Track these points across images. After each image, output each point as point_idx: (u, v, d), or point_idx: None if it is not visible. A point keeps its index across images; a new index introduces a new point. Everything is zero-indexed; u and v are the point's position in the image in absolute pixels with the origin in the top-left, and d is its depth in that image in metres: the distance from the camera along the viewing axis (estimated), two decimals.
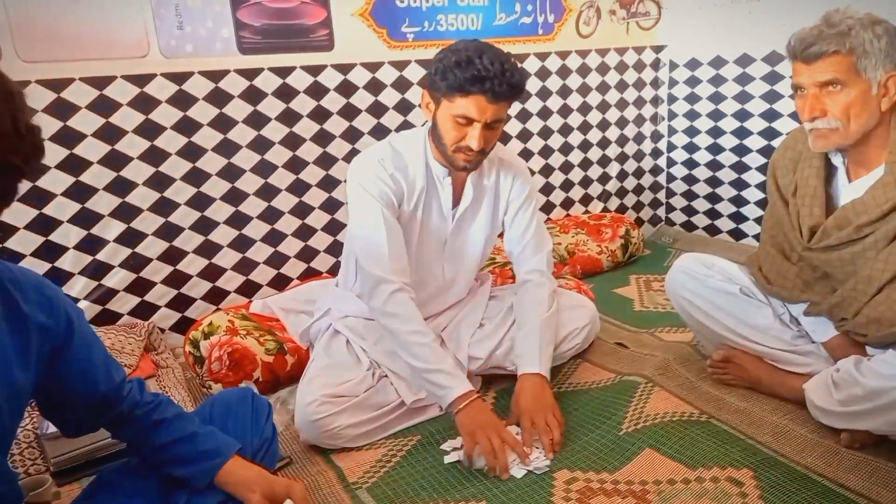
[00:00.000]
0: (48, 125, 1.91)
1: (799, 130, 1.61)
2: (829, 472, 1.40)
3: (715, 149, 3.03)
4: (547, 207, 3.03)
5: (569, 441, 1.57)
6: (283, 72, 2.24)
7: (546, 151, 2.95)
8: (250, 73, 2.19)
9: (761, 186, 2.85)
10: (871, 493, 1.32)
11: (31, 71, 1.86)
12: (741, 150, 2.93)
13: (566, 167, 3.03)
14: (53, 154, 1.93)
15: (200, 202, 2.19)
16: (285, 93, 2.27)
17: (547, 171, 2.98)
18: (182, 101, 2.10)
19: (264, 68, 2.21)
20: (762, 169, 2.83)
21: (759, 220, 2.88)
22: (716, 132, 3.01)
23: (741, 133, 2.91)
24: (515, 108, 2.77)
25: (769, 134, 2.80)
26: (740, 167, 2.95)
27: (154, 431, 1.09)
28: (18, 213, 1.92)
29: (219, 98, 2.16)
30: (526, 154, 2.88)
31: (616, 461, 1.49)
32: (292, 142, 2.32)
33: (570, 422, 1.64)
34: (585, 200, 3.14)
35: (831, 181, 1.56)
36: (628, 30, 3.02)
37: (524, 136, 2.87)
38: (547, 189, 3.01)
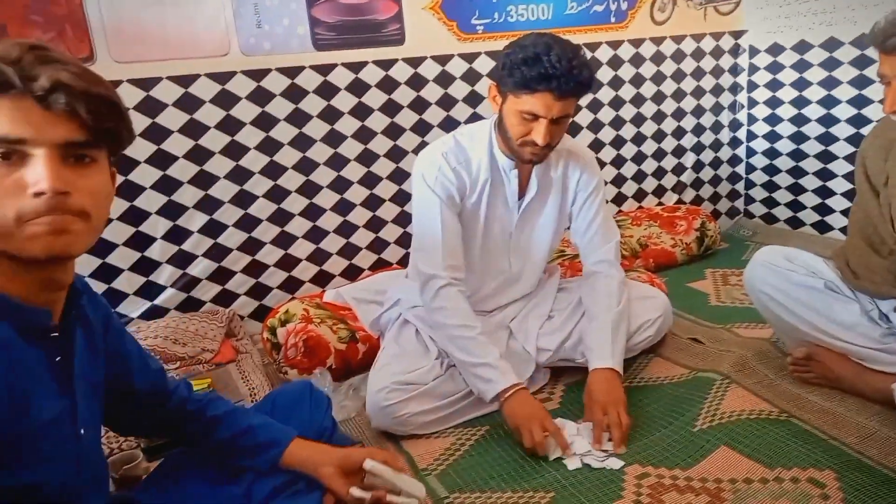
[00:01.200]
0: (138, 122, 2.02)
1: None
2: None
3: (798, 137, 2.89)
4: (619, 199, 2.97)
5: (640, 436, 1.55)
6: (355, 67, 2.29)
7: (618, 142, 2.90)
8: (324, 69, 2.25)
9: (849, 177, 2.70)
10: None
11: (124, 71, 1.97)
12: (827, 139, 2.78)
13: (639, 158, 2.97)
14: (143, 149, 2.05)
15: (277, 195, 2.27)
16: (357, 87, 2.31)
17: (619, 162, 2.92)
18: (260, 97, 2.18)
19: (338, 64, 2.26)
20: (850, 158, 2.68)
21: (845, 212, 2.73)
22: (800, 120, 2.87)
23: (827, 121, 2.76)
24: (586, 98, 2.72)
25: (858, 121, 2.65)
26: (826, 157, 2.80)
27: (212, 429, 1.13)
28: (112, 205, 2.04)
29: (294, 94, 2.22)
30: (597, 145, 2.84)
31: (689, 458, 1.45)
32: (364, 135, 2.37)
33: (641, 417, 1.62)
34: (659, 192, 3.06)
35: None
36: (706, 15, 2.92)
37: (595, 126, 2.82)
38: (619, 181, 2.95)
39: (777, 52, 2.89)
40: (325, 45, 2.24)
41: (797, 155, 2.92)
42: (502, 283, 1.85)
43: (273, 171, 2.25)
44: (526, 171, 1.71)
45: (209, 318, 2.10)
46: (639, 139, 2.94)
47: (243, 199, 2.22)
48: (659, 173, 3.04)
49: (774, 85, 2.94)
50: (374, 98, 2.35)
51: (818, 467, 1.37)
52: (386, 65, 2.34)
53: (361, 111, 2.34)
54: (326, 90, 2.27)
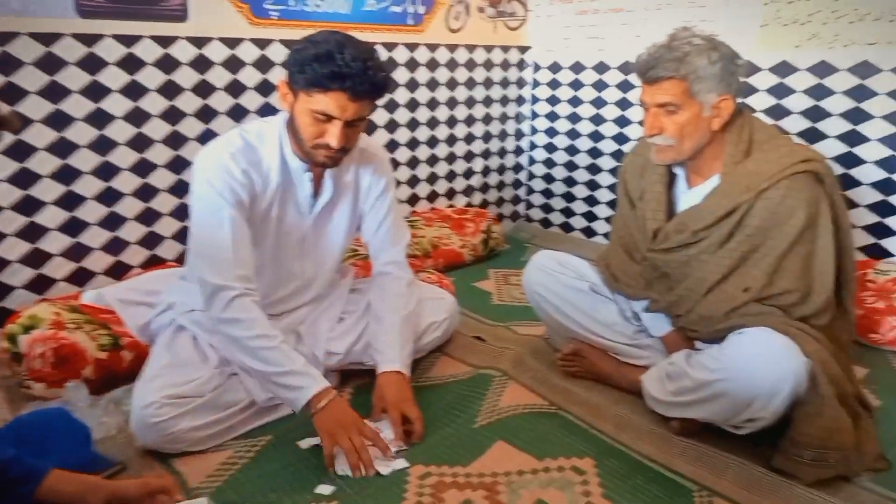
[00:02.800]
0: None
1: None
2: (662, 458, 1.50)
3: (572, 150, 3.18)
4: (412, 200, 3.02)
5: (425, 436, 1.57)
6: (127, 40, 2.05)
7: (413, 143, 2.94)
8: (90, 39, 1.98)
9: (612, 188, 3.02)
10: (695, 475, 1.44)
11: None
12: (595, 153, 3.09)
13: (432, 160, 3.04)
14: None
15: (24, 180, 1.95)
16: (130, 63, 2.07)
17: (413, 163, 2.97)
18: (6, 64, 1.85)
19: (106, 35, 2.00)
20: (614, 171, 3.00)
21: (609, 220, 3.06)
22: (573, 134, 3.16)
23: (596, 136, 3.07)
24: (383, 97, 2.72)
25: (620, 139, 2.97)
26: (594, 169, 3.11)
27: None
28: None
29: (50, 64, 1.93)
30: (392, 145, 2.86)
31: (470, 454, 1.51)
32: (137, 117, 2.13)
33: (427, 416, 1.64)
34: (450, 194, 3.17)
35: (673, 187, 1.68)
36: (496, 28, 3.08)
37: (391, 126, 2.84)
38: (413, 181, 3.00)
39: (556, 70, 3.15)
40: (91, 13, 1.97)
41: (570, 166, 3.21)
42: (295, 288, 1.76)
43: (20, 152, 1.93)
44: (319, 173, 1.65)
45: None
46: (433, 142, 3.02)
47: None
48: (450, 176, 3.15)
49: (553, 100, 3.20)
50: (151, 77, 2.13)
51: (580, 455, 1.50)
52: (165, 42, 2.12)
53: (134, 90, 2.10)
54: (91, 63, 2.00)
